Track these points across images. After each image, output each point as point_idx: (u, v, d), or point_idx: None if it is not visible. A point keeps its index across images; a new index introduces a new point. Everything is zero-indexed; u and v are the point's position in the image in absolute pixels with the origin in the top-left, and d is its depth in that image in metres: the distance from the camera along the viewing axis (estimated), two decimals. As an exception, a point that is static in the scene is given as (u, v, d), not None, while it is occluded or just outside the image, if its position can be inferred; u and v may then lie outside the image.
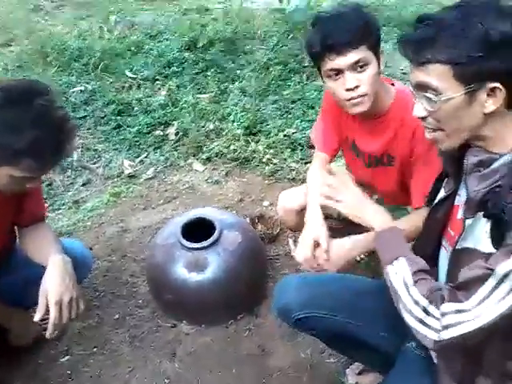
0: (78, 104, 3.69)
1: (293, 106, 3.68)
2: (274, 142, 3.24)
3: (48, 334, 1.56)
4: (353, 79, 1.55)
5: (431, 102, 1.09)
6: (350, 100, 1.59)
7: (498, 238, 1.06)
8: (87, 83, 3.94)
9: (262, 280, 2.14)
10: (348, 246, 1.64)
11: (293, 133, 3.33)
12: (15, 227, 1.81)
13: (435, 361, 1.30)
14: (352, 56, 1.52)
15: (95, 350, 2.01)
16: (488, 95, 1.05)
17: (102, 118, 3.58)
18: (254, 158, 3.12)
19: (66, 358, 1.98)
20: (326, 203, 1.42)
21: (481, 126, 1.10)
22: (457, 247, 1.19)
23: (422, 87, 1.10)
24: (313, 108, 3.55)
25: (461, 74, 1.03)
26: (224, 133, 3.33)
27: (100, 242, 2.51)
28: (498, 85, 1.03)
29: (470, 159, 1.15)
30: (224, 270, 1.97)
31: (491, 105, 1.05)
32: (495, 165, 1.10)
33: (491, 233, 1.08)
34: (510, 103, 1.07)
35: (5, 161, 1.41)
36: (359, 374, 1.86)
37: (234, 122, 3.44)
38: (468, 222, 1.15)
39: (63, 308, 1.54)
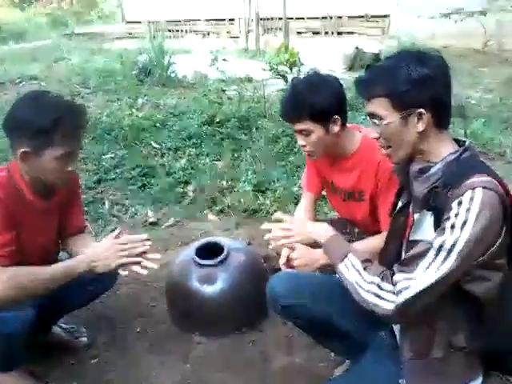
0: (109, 168, 4.24)
1: (297, 169, 4.15)
2: (279, 198, 3.69)
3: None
4: (300, 140, 2.06)
5: (377, 126, 1.49)
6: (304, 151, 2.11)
7: (439, 227, 1.40)
8: (117, 151, 4.50)
9: (264, 298, 2.44)
10: (315, 256, 1.97)
11: (296, 190, 3.77)
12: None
13: (399, 343, 1.61)
14: (297, 126, 2.02)
15: (120, 355, 2.32)
16: (418, 118, 1.44)
17: (130, 179, 4.09)
18: (262, 209, 3.56)
19: (95, 360, 2.30)
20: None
21: (418, 142, 1.47)
22: (409, 239, 1.53)
23: (371, 116, 1.51)
24: (315, 171, 4.01)
25: (395, 104, 1.44)
26: (236, 189, 3.80)
27: (125, 273, 2.89)
28: (422, 110, 1.42)
29: (413, 168, 1.52)
30: (231, 283, 2.34)
31: (421, 125, 1.44)
32: (431, 171, 1.46)
33: (434, 224, 1.43)
34: (437, 124, 1.46)
35: (43, 145, 1.83)
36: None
37: (245, 181, 3.90)
38: (416, 216, 1.52)
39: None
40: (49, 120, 1.82)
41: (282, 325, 2.44)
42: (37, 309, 1.91)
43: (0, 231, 1.81)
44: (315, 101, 1.95)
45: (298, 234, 1.80)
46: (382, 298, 1.39)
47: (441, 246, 1.32)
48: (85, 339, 2.39)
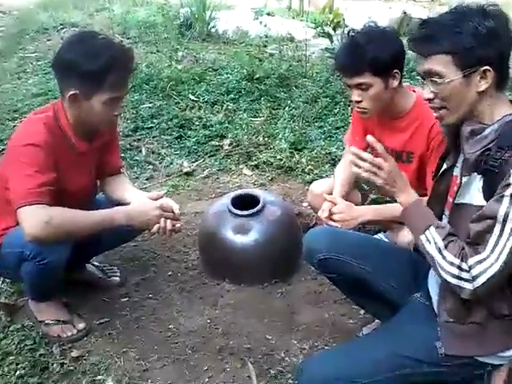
0: (147, 117, 4.24)
1: (336, 131, 4.07)
2: (316, 157, 3.63)
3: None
4: (356, 95, 1.98)
5: (437, 84, 1.41)
6: (357, 108, 2.03)
7: (488, 193, 1.36)
8: (155, 102, 4.50)
9: (296, 253, 2.45)
10: (356, 212, 1.97)
11: (334, 151, 3.70)
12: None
13: (436, 309, 1.58)
14: (356, 79, 1.94)
15: (150, 295, 2.37)
16: (481, 77, 1.37)
17: (167, 129, 4.08)
18: (297, 167, 3.51)
19: (126, 299, 2.35)
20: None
21: (476, 102, 1.41)
22: (455, 202, 1.48)
23: (429, 74, 1.42)
24: (354, 133, 3.93)
25: (458, 61, 1.37)
26: (272, 146, 3.76)
27: (159, 219, 2.91)
28: (488, 68, 1.35)
29: (465, 129, 1.45)
30: (264, 235, 2.34)
31: (483, 85, 1.38)
32: (485, 132, 1.40)
33: (483, 188, 1.39)
34: (498, 84, 1.40)
35: (93, 89, 1.83)
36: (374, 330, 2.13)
37: (281, 139, 3.85)
38: (464, 179, 1.46)
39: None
40: (101, 63, 1.80)
41: (312, 280, 2.45)
42: (72, 245, 1.94)
43: (42, 171, 1.82)
44: (377, 53, 1.89)
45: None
46: (462, 279, 1.36)
47: (506, 217, 1.28)
48: (117, 279, 2.44)
